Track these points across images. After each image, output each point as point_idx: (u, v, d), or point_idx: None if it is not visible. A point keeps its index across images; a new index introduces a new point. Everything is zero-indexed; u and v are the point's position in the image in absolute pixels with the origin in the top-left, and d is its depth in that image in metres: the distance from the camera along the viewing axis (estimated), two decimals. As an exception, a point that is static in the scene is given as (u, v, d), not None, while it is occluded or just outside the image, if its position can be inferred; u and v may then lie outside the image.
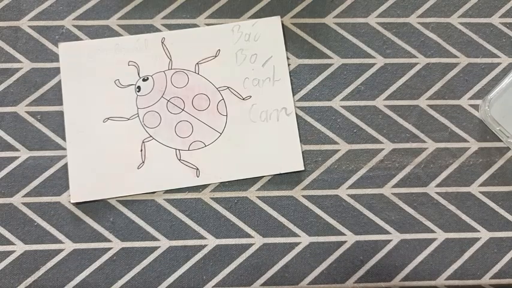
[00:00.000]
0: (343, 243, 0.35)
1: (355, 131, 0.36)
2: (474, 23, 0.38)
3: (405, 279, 0.34)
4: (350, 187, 0.36)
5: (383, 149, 0.36)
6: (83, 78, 0.36)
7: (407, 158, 0.36)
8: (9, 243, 0.34)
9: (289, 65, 0.37)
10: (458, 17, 0.38)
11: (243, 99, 0.36)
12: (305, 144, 0.36)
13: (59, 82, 0.36)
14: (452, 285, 0.35)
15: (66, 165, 0.35)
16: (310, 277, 0.34)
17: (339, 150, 0.36)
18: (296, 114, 0.36)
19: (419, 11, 0.38)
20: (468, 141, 0.36)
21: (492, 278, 0.35)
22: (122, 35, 0.37)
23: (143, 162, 0.35)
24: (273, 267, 0.34)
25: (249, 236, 0.35)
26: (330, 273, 0.34)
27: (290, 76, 0.37)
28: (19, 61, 0.37)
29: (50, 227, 0.34)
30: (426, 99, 0.37)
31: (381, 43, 0.38)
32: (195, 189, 0.35)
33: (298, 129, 0.36)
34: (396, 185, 0.36)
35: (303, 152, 0.36)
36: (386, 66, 0.37)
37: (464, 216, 0.35)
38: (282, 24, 0.37)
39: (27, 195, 0.35)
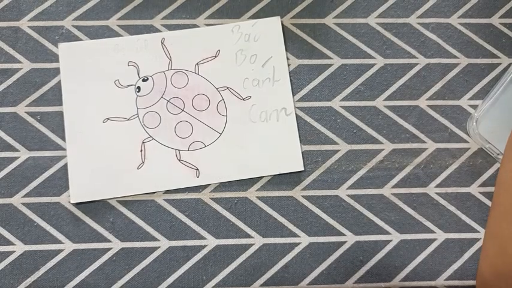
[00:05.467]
0: (343, 243, 0.35)
1: (355, 131, 0.36)
2: (474, 24, 0.38)
3: (405, 279, 0.34)
4: (350, 187, 0.36)
5: (383, 149, 0.36)
6: (83, 79, 0.36)
7: (407, 159, 0.36)
8: (9, 243, 0.34)
9: (289, 65, 0.37)
10: (458, 17, 0.38)
11: (243, 99, 0.36)
12: (305, 144, 0.36)
13: (59, 82, 0.36)
14: (452, 286, 0.35)
15: (66, 165, 0.35)
16: (310, 277, 0.34)
17: (339, 150, 0.36)
18: (296, 114, 0.36)
19: (419, 12, 0.38)
20: (468, 142, 0.36)
21: (492, 278, 0.35)
22: (121, 35, 0.37)
23: (143, 162, 0.35)
24: (272, 267, 0.34)
25: (248, 236, 0.35)
26: (330, 273, 0.34)
27: (290, 76, 0.37)
28: (19, 61, 0.37)
29: (50, 227, 0.34)
30: (426, 100, 0.37)
31: (381, 43, 0.38)
32: (195, 189, 0.35)
33: (298, 130, 0.36)
34: (396, 186, 0.36)
35: (302, 153, 0.36)
36: (386, 66, 0.37)
37: (464, 217, 0.35)
38: (282, 25, 0.37)
39: (27, 195, 0.35)
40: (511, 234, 0.32)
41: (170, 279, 0.34)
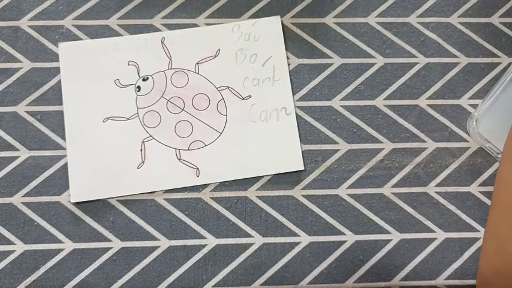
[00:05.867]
0: (343, 242, 0.35)
1: (355, 130, 0.36)
2: (474, 23, 0.38)
3: (405, 278, 0.34)
4: (350, 187, 0.36)
5: (383, 148, 0.36)
6: (83, 78, 0.36)
7: (407, 158, 0.36)
8: (9, 242, 0.34)
9: (289, 64, 0.37)
10: (458, 16, 0.38)
11: (243, 99, 0.36)
12: (305, 144, 0.36)
13: (59, 82, 0.36)
14: (452, 285, 0.35)
15: (66, 165, 0.35)
16: (310, 277, 0.34)
17: (339, 150, 0.36)
18: (296, 114, 0.36)
19: (419, 11, 0.38)
20: (468, 141, 0.36)
21: (492, 277, 0.35)
22: (121, 35, 0.37)
23: (143, 162, 0.35)
24: (272, 266, 0.34)
25: (248, 235, 0.35)
26: (330, 272, 0.34)
27: (290, 76, 0.37)
28: (19, 61, 0.37)
29: (50, 226, 0.35)
30: (426, 99, 0.37)
31: (381, 43, 0.38)
32: (195, 189, 0.35)
33: (298, 129, 0.36)
34: (396, 185, 0.36)
35: (302, 152, 0.36)
36: (386, 66, 0.37)
37: (464, 216, 0.35)
38: (282, 24, 0.37)
39: (27, 194, 0.35)
40: (510, 233, 0.32)
41: (170, 279, 0.34)
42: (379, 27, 0.38)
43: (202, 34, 0.37)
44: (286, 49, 0.37)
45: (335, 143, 0.36)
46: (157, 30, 0.37)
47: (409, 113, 0.37)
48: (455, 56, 0.37)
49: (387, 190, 0.36)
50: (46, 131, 0.36)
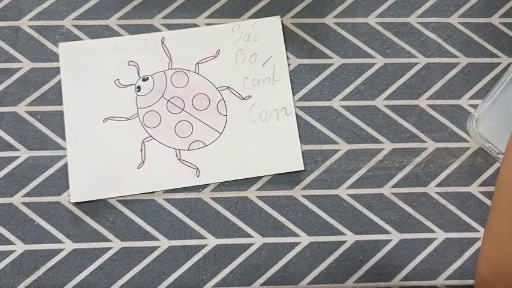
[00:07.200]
0: (343, 243, 0.35)
1: (355, 130, 0.36)
2: (474, 23, 0.38)
3: (405, 279, 0.34)
4: (350, 187, 0.36)
5: (383, 149, 0.36)
6: (83, 78, 0.36)
7: (407, 158, 0.36)
8: (9, 243, 0.34)
9: (289, 64, 0.37)
10: (458, 17, 0.38)
11: (243, 99, 0.36)
12: (305, 144, 0.36)
13: (59, 82, 0.36)
14: (451, 285, 0.35)
15: (66, 165, 0.35)
16: (310, 277, 0.34)
17: (339, 150, 0.36)
18: (296, 114, 0.36)
19: (419, 11, 0.38)
20: (468, 141, 0.36)
21: (492, 277, 0.35)
22: (121, 35, 0.37)
23: (143, 162, 0.35)
24: (272, 267, 0.34)
25: (248, 235, 0.35)
26: (330, 273, 0.34)
27: (290, 76, 0.37)
28: (19, 61, 0.37)
29: (50, 226, 0.35)
30: (426, 99, 0.37)
31: (381, 43, 0.38)
32: (195, 189, 0.35)
33: (298, 129, 0.36)
34: (396, 185, 0.36)
35: (302, 152, 0.36)
36: (386, 66, 0.37)
37: (464, 216, 0.35)
38: (282, 24, 0.37)
39: (27, 195, 0.35)
40: (510, 233, 0.32)
41: (170, 279, 0.34)
42: (379, 28, 0.38)
43: (202, 34, 0.37)
44: (286, 49, 0.37)
45: (335, 143, 0.36)
46: (157, 30, 0.37)
47: (409, 113, 0.37)
48: (455, 56, 0.37)
49: (387, 190, 0.36)
50: (46, 131, 0.36)
